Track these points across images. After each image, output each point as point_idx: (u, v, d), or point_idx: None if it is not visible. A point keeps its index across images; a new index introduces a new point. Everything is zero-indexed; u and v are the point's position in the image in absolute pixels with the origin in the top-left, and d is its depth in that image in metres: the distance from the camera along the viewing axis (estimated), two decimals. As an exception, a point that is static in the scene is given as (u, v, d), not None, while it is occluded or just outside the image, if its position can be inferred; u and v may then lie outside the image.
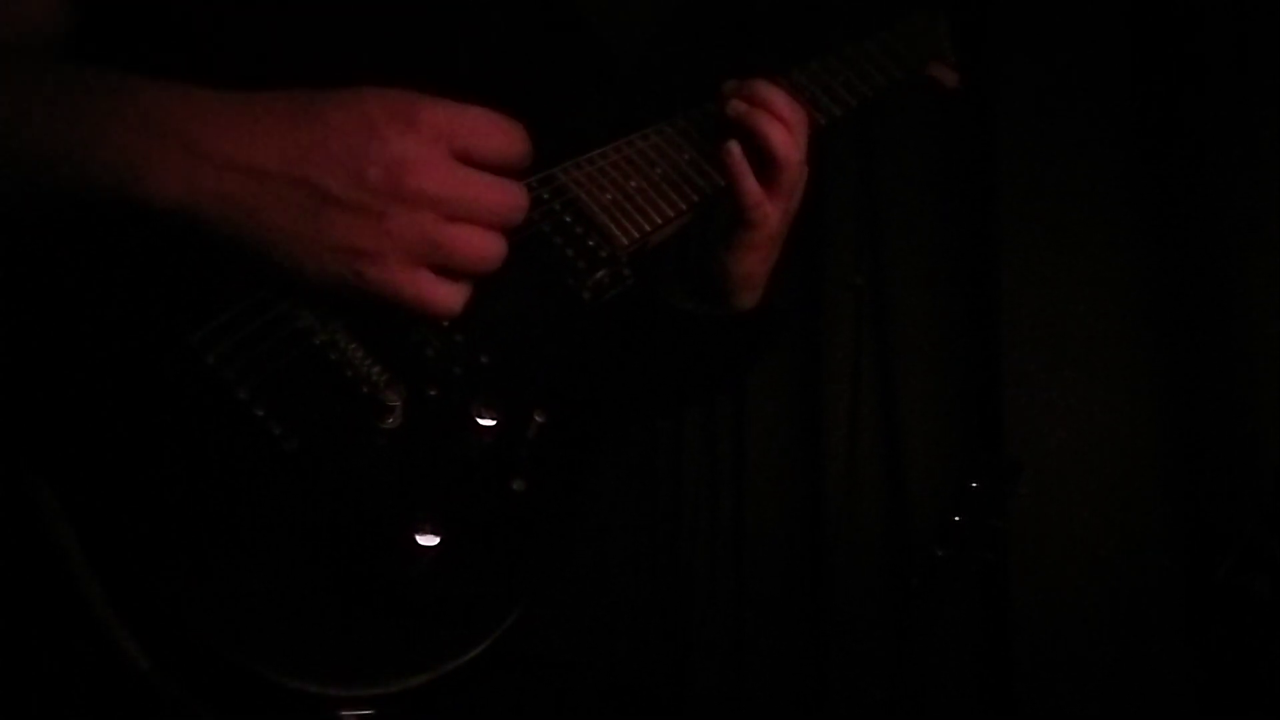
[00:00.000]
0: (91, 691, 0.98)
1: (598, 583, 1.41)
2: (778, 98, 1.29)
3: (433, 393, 1.07)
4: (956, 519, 2.20)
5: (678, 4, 2.28)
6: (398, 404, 1.04)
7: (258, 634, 0.95)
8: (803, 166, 1.29)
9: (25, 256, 1.00)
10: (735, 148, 1.28)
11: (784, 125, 1.28)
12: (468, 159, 1.03)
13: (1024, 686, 2.53)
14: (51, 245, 1.00)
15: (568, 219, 1.21)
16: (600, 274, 1.19)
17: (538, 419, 1.11)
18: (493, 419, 1.08)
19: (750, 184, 1.28)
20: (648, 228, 1.24)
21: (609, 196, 1.23)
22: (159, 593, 0.93)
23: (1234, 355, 2.47)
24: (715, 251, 1.33)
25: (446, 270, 1.02)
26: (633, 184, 1.25)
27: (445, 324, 1.08)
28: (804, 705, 2.72)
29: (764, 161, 1.28)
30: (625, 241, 1.22)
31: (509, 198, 1.05)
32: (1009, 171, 2.66)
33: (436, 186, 1.00)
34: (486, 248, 1.03)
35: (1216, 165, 2.51)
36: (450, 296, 1.02)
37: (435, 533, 1.01)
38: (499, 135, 1.05)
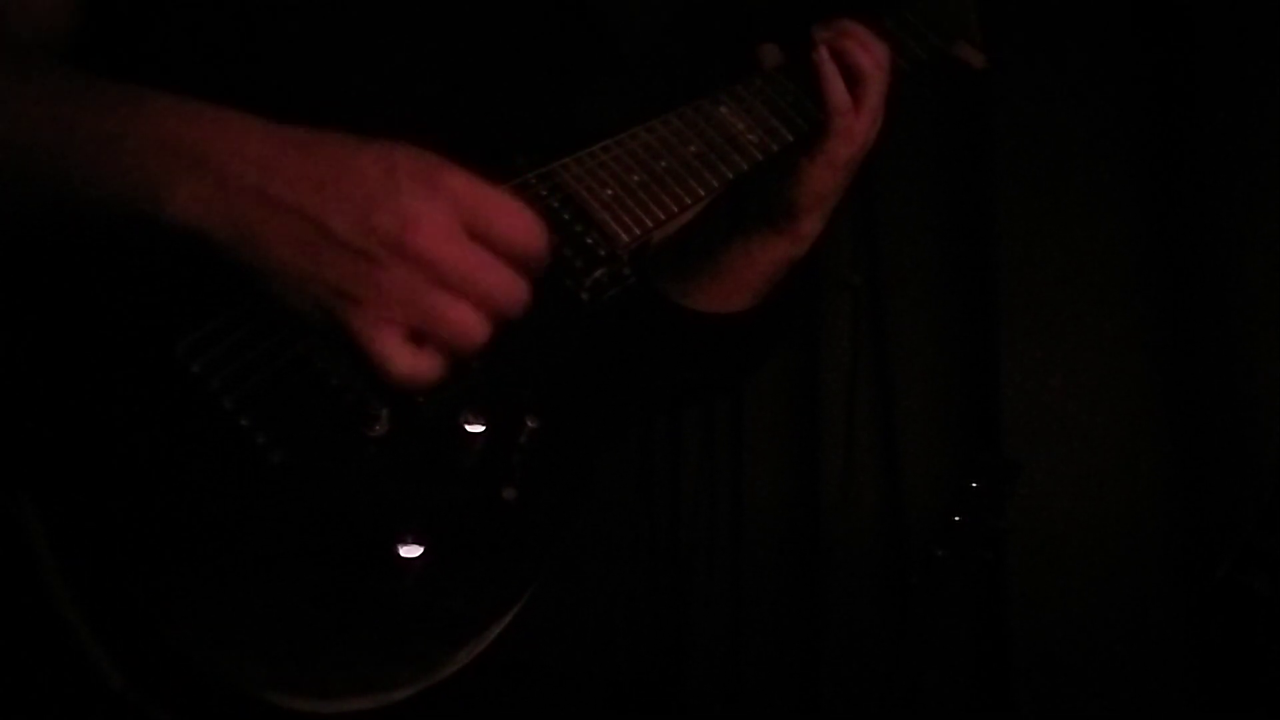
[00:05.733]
0: (63, 710, 0.96)
1: (593, 583, 1.40)
2: (861, 29, 1.36)
3: (420, 400, 1.04)
4: (956, 519, 2.19)
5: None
6: (383, 412, 1.01)
7: (238, 648, 0.93)
8: (883, 98, 1.36)
9: (7, 261, 0.99)
10: (824, 51, 1.34)
11: (866, 50, 1.34)
12: (478, 237, 0.99)
13: (1023, 686, 2.53)
14: (35, 251, 0.99)
15: (565, 216, 1.18)
16: (599, 273, 1.17)
17: (530, 424, 1.09)
18: (481, 425, 1.05)
19: (840, 88, 1.34)
20: (650, 224, 1.21)
21: (610, 192, 1.20)
22: (135, 605, 0.91)
23: (1234, 355, 2.46)
24: (792, 168, 1.36)
25: (424, 337, 0.98)
26: (635, 178, 1.22)
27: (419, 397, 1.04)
28: (802, 706, 2.72)
29: (850, 77, 1.34)
30: (626, 239, 1.19)
31: (508, 286, 1.00)
32: (1008, 170, 2.65)
33: (437, 250, 0.96)
34: (469, 326, 0.98)
35: (1217, 165, 2.51)
36: (417, 366, 0.97)
37: (419, 544, 0.98)
38: (518, 225, 1.01)
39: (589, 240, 1.17)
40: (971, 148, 2.72)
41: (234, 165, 0.96)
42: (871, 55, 1.35)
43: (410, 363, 0.97)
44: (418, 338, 0.97)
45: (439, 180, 0.98)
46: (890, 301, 2.77)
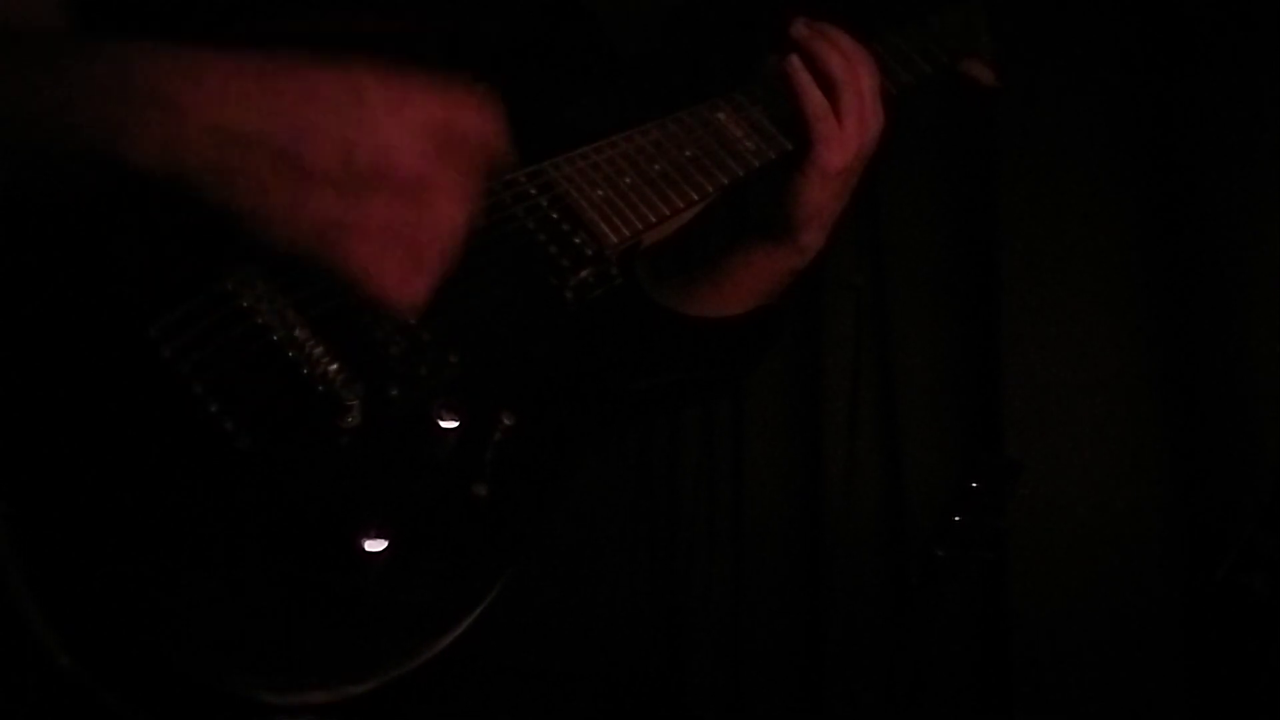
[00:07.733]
0: (9, 686, 0.95)
1: (593, 584, 1.39)
2: (836, 31, 1.34)
3: (394, 392, 1.04)
4: (956, 519, 2.19)
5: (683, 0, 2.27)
6: (355, 403, 1.01)
7: (194, 634, 0.93)
8: (867, 102, 1.33)
9: None
10: (795, 59, 1.32)
11: (840, 52, 1.32)
12: (449, 144, 0.99)
13: (1023, 686, 2.52)
14: (3, 231, 0.98)
15: (554, 215, 1.18)
16: (585, 273, 1.17)
17: (506, 421, 1.08)
18: (455, 420, 1.05)
19: (815, 94, 1.32)
20: (640, 226, 1.21)
21: (600, 193, 1.20)
22: (89, 587, 0.91)
23: (1234, 355, 2.46)
24: (789, 180, 1.35)
25: (415, 260, 0.97)
26: (627, 180, 1.22)
27: (409, 320, 1.05)
28: (802, 705, 2.72)
29: (825, 84, 1.32)
30: (615, 240, 1.19)
31: (479, 193, 1.01)
32: (1009, 172, 2.65)
33: (419, 175, 0.95)
34: (453, 240, 0.99)
35: (1217, 166, 2.50)
36: (414, 290, 0.97)
37: (384, 537, 0.98)
38: (485, 127, 1.01)
39: (577, 240, 1.17)
40: (974, 149, 2.72)
41: (193, 100, 0.93)
42: (845, 62, 1.32)
43: (408, 287, 0.97)
44: (409, 261, 0.97)
45: (407, 99, 0.97)
46: (892, 302, 2.77)
